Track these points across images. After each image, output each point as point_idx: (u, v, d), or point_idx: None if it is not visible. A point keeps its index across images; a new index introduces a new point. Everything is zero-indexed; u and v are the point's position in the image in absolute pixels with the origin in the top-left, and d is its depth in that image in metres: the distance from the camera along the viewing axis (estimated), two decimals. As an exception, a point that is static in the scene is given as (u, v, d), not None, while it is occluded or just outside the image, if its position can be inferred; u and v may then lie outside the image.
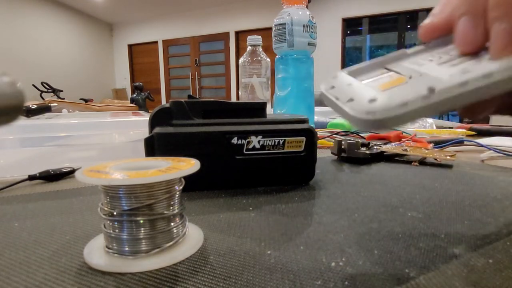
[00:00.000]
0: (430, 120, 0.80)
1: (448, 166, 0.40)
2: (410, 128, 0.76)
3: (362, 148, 0.44)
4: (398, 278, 0.15)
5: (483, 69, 0.15)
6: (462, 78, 0.15)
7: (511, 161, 0.43)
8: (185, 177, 0.18)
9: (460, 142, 0.54)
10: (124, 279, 0.16)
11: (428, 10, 4.61)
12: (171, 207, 0.18)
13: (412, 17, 4.72)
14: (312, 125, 0.33)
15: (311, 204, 0.26)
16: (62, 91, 4.64)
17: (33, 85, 4.45)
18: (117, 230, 0.17)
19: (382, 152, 0.45)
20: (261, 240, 0.20)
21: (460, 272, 0.16)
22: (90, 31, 6.45)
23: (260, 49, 0.74)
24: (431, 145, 0.50)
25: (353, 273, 0.16)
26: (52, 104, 0.65)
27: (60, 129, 0.53)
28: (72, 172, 0.37)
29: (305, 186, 0.32)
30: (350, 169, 0.39)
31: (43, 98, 4.32)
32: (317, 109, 0.88)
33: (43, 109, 0.59)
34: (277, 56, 0.63)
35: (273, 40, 0.61)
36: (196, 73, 6.35)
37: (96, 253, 0.18)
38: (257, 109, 0.31)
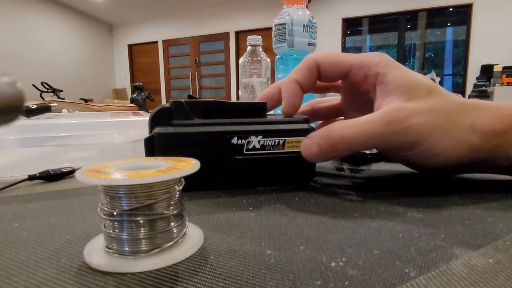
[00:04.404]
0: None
1: (448, 166, 0.40)
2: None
3: (362, 148, 0.44)
4: (398, 278, 0.15)
5: None
6: None
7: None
8: (185, 177, 0.18)
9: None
10: (124, 279, 0.16)
11: (428, 10, 4.61)
12: (171, 207, 0.18)
13: (412, 17, 4.72)
14: (312, 125, 0.33)
15: (311, 204, 0.26)
16: (62, 91, 4.65)
17: (33, 85, 4.45)
18: (117, 230, 0.17)
19: (382, 152, 0.45)
20: (261, 240, 0.20)
21: (460, 272, 0.16)
22: (90, 31, 6.46)
23: (260, 49, 0.74)
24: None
25: (353, 273, 0.16)
26: (52, 104, 0.65)
27: (60, 129, 0.53)
28: (72, 172, 0.37)
29: (305, 186, 0.32)
30: (350, 169, 0.39)
31: (43, 98, 4.32)
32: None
33: (43, 109, 0.59)
34: (277, 56, 0.63)
35: (273, 40, 0.61)
36: (196, 73, 6.35)
37: (96, 253, 0.18)
38: (257, 109, 0.31)
